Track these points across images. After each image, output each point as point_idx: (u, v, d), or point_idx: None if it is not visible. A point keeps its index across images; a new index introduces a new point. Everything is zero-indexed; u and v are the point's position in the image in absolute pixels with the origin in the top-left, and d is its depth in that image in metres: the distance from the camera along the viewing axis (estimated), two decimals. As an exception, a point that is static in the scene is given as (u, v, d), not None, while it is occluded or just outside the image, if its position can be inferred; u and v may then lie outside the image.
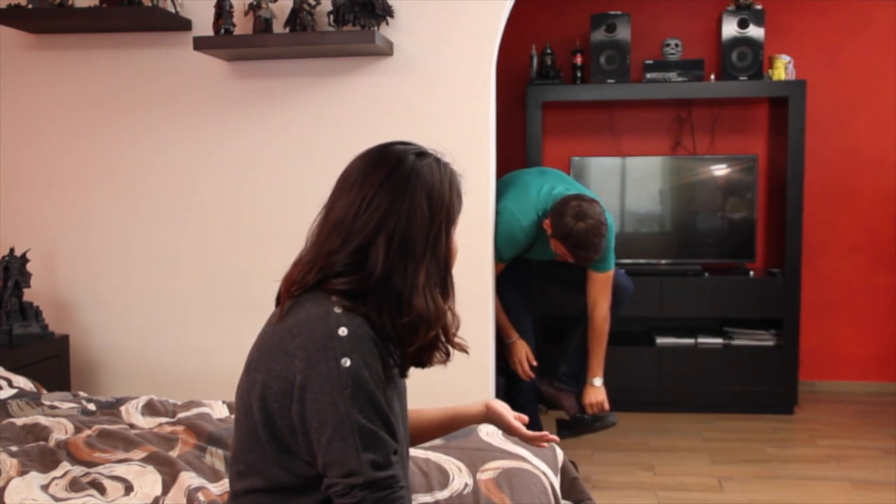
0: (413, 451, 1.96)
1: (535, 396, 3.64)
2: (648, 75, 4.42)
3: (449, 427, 1.77)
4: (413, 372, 1.61)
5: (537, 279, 3.89)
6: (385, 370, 1.33)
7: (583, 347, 3.54)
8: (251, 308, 3.31)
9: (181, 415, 2.42)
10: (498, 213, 3.35)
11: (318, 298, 1.34)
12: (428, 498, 1.85)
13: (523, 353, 3.52)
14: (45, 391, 2.78)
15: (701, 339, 4.50)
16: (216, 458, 2.12)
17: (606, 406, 3.47)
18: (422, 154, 1.49)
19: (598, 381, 3.47)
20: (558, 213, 3.23)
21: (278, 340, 1.34)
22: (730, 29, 4.39)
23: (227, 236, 3.29)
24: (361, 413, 1.27)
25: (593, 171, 4.62)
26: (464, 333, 3.35)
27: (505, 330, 3.53)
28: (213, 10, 3.08)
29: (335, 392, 1.26)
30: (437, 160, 1.49)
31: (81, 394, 2.75)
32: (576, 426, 3.53)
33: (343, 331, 1.28)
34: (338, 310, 1.31)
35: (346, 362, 1.27)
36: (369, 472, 1.26)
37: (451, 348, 1.42)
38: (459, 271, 3.46)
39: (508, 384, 3.87)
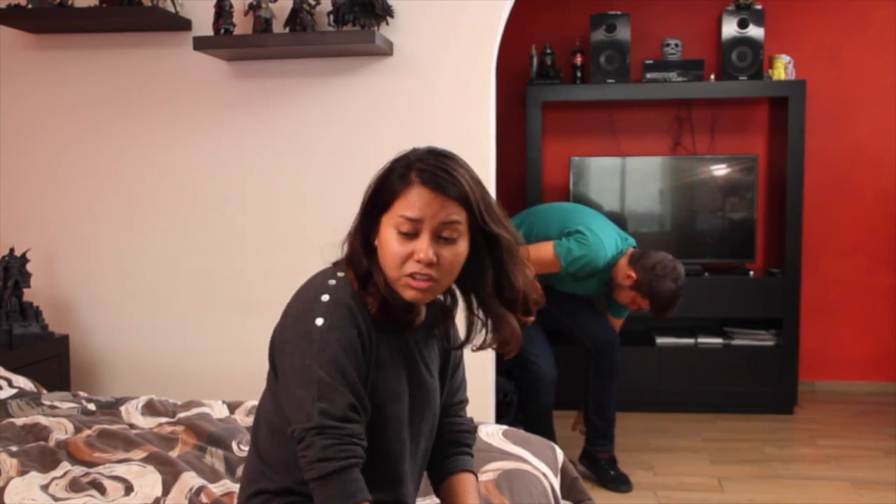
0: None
1: (549, 406, 3.61)
2: (648, 75, 4.42)
3: None
4: (472, 420, 1.72)
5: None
6: (366, 345, 1.44)
7: (601, 403, 3.54)
8: (251, 308, 3.32)
9: (181, 415, 2.42)
10: (581, 233, 3.27)
11: (327, 269, 1.52)
12: (428, 501, 1.85)
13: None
14: (45, 391, 2.78)
15: (701, 339, 4.50)
16: (216, 458, 2.12)
17: None
18: (416, 149, 1.57)
19: None
20: (650, 268, 3.19)
21: (288, 302, 1.52)
22: (730, 29, 4.39)
23: (227, 236, 3.29)
24: (323, 368, 1.39)
25: (593, 171, 4.62)
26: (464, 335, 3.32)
27: None
28: (212, 10, 3.08)
29: (305, 346, 1.41)
30: (415, 149, 1.56)
31: (81, 394, 2.75)
32: (595, 469, 3.55)
33: (325, 297, 1.44)
34: (332, 281, 1.47)
35: (319, 321, 1.42)
36: (320, 418, 1.37)
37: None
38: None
39: (521, 393, 3.87)
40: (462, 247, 1.46)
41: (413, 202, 1.43)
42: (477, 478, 1.68)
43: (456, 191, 1.44)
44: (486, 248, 1.49)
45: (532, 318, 1.57)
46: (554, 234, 3.36)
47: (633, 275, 3.23)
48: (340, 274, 1.49)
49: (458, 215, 1.44)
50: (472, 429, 1.72)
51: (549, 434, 3.49)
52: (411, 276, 1.43)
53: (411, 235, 1.43)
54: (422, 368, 1.55)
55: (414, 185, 1.45)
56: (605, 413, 3.56)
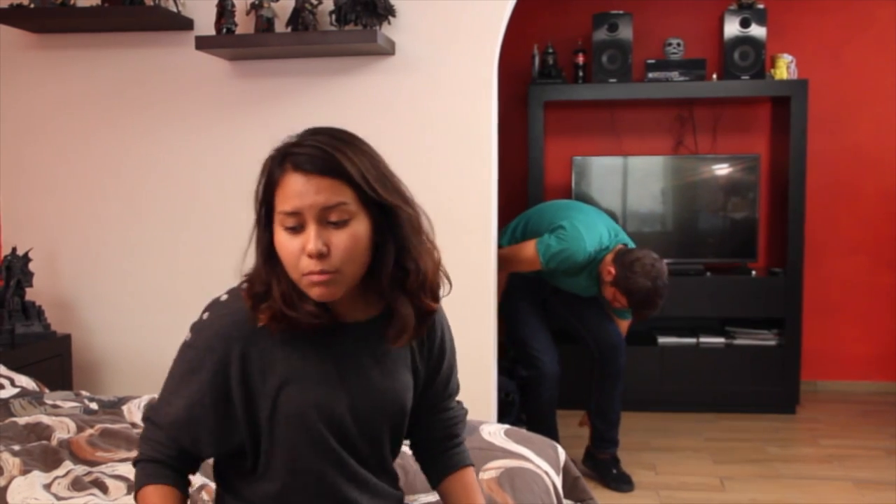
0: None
1: (552, 403, 3.61)
2: (650, 75, 4.41)
3: None
4: (467, 411, 1.65)
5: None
6: (235, 370, 1.35)
7: (602, 405, 3.55)
8: (253, 307, 3.33)
9: (183, 414, 2.42)
10: (562, 227, 3.30)
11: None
12: (430, 497, 1.85)
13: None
14: (47, 390, 2.78)
15: (703, 339, 4.50)
16: (218, 457, 2.12)
17: None
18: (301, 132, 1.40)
19: None
20: (628, 265, 3.19)
21: None
22: (732, 28, 4.38)
23: (229, 235, 3.29)
24: (172, 378, 1.42)
25: (595, 170, 4.62)
26: (466, 334, 3.34)
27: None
28: (214, 10, 3.08)
29: (176, 356, 1.43)
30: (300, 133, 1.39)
31: (84, 393, 2.75)
32: (597, 468, 3.54)
33: (206, 314, 1.41)
34: (224, 296, 1.42)
35: (188, 336, 1.42)
36: (147, 411, 1.48)
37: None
38: (461, 271, 3.46)
39: (524, 390, 3.87)
40: (357, 228, 1.31)
41: (288, 193, 1.30)
42: (472, 466, 1.63)
43: (332, 167, 1.29)
44: (387, 224, 1.34)
45: (436, 306, 1.44)
46: (543, 231, 3.39)
47: (613, 270, 3.24)
48: (224, 297, 1.43)
49: (342, 194, 1.29)
50: (462, 417, 1.65)
51: (551, 432, 3.49)
52: (309, 273, 1.30)
53: (298, 229, 1.30)
54: (368, 371, 1.42)
55: (287, 171, 1.31)
56: (607, 416, 3.55)
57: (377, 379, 1.43)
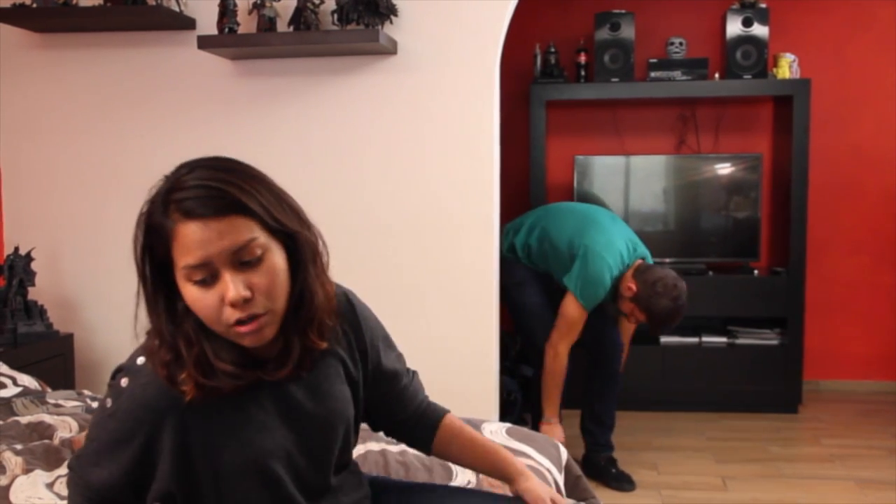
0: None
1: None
2: (652, 74, 4.41)
3: (483, 464, 1.59)
4: (416, 371, 1.63)
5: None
6: (163, 445, 1.26)
7: (595, 408, 3.56)
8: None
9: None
10: (583, 252, 3.28)
11: (143, 345, 1.31)
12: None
13: (556, 440, 3.47)
14: (49, 389, 2.78)
15: (705, 338, 4.49)
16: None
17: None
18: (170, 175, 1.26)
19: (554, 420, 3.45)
20: (650, 284, 3.17)
21: None
22: (734, 27, 4.38)
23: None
24: (94, 439, 1.32)
25: (597, 169, 4.62)
26: (467, 334, 3.35)
27: (546, 405, 3.41)
28: (216, 9, 3.09)
29: (97, 411, 1.33)
30: (168, 176, 1.25)
31: (86, 392, 2.76)
32: (596, 470, 3.53)
33: (124, 382, 1.29)
34: (141, 360, 1.29)
35: (108, 402, 1.30)
36: (71, 461, 1.36)
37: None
38: (462, 270, 3.45)
39: (526, 389, 3.88)
40: (273, 260, 1.21)
41: (187, 245, 1.16)
42: (448, 412, 1.61)
43: (228, 204, 1.16)
44: (293, 251, 1.24)
45: (324, 344, 1.33)
46: (564, 247, 3.35)
47: (634, 287, 3.21)
48: (140, 361, 1.28)
49: (248, 231, 1.18)
50: (417, 380, 1.60)
51: None
52: (237, 323, 1.19)
53: (210, 281, 1.17)
54: (304, 404, 1.35)
55: (178, 221, 1.16)
56: (601, 419, 3.56)
57: (314, 407, 1.35)
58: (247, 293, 1.17)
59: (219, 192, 1.17)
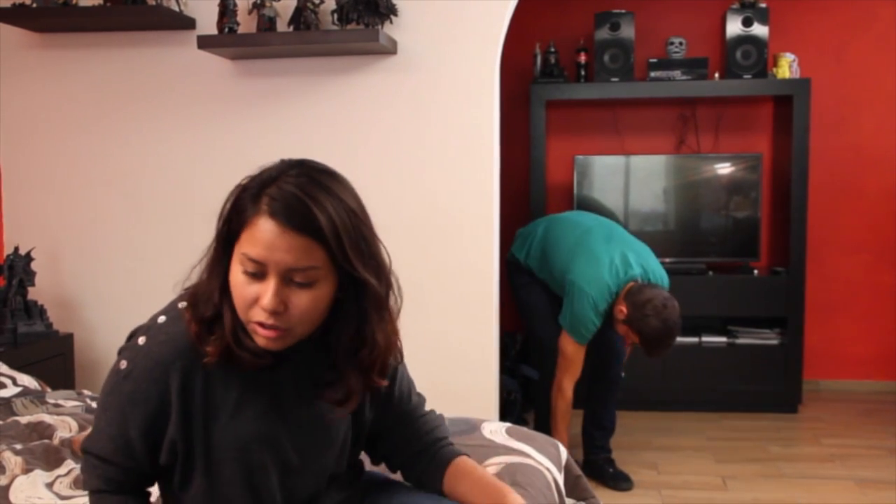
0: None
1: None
2: (652, 74, 4.41)
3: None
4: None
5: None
6: (174, 402, 1.28)
7: (595, 412, 3.57)
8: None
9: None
10: (569, 288, 3.28)
11: (181, 295, 1.35)
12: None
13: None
14: (49, 389, 2.78)
15: (705, 338, 4.49)
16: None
17: None
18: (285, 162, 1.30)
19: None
20: (640, 305, 3.12)
21: None
22: (734, 27, 4.38)
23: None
24: (107, 410, 1.32)
25: (597, 169, 4.62)
26: (467, 334, 3.35)
27: (558, 434, 3.38)
28: (216, 9, 3.09)
29: (109, 378, 1.34)
30: (284, 162, 1.28)
31: (86, 392, 2.75)
32: (593, 470, 3.52)
33: (142, 339, 1.32)
34: (162, 318, 1.34)
35: (123, 364, 1.32)
36: (84, 444, 1.36)
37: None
38: (462, 270, 3.45)
39: (526, 390, 3.87)
40: (321, 292, 1.22)
41: (257, 238, 1.18)
42: (467, 457, 1.52)
43: (310, 225, 1.17)
44: (353, 293, 1.25)
45: (385, 382, 1.36)
46: (558, 275, 3.37)
47: (625, 310, 3.17)
48: (181, 305, 1.31)
49: (313, 258, 1.19)
50: (439, 420, 1.56)
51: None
52: (259, 323, 1.22)
53: (258, 276, 1.20)
54: (303, 405, 1.35)
55: (262, 214, 1.19)
56: (602, 423, 3.56)
57: (313, 412, 1.36)
58: (280, 307, 1.20)
59: (308, 211, 1.18)
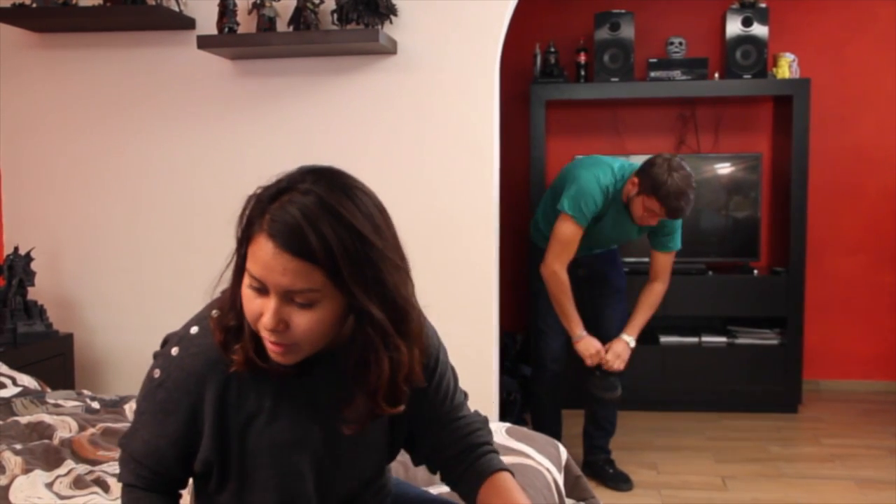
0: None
1: (553, 402, 3.61)
2: (652, 74, 4.41)
3: None
4: (486, 418, 1.55)
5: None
6: (206, 411, 1.30)
7: (597, 414, 3.55)
8: (255, 306, 3.33)
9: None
10: (572, 181, 3.24)
11: (212, 302, 1.35)
12: (431, 490, 1.85)
13: (594, 351, 3.33)
14: (49, 389, 2.78)
15: (705, 338, 4.49)
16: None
17: (621, 366, 3.34)
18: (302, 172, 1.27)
19: (630, 340, 3.37)
20: (648, 165, 3.10)
21: None
22: (734, 27, 4.38)
23: (231, 234, 3.28)
24: (143, 415, 1.35)
25: (597, 169, 4.61)
26: (467, 335, 3.35)
27: (569, 324, 3.33)
28: (216, 9, 3.08)
29: (145, 384, 1.36)
30: (300, 172, 1.26)
31: (85, 392, 2.75)
32: (593, 470, 3.51)
33: (175, 350, 1.33)
34: (194, 329, 1.33)
35: (157, 373, 1.34)
36: (121, 440, 1.39)
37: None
38: (462, 270, 3.45)
39: (525, 392, 3.86)
40: (323, 313, 1.19)
41: (258, 256, 1.17)
42: (513, 474, 1.45)
43: (304, 250, 1.14)
44: (358, 316, 1.21)
45: (401, 408, 1.30)
46: (559, 196, 3.32)
47: (636, 180, 3.14)
48: (214, 313, 1.30)
49: (311, 280, 1.15)
50: (482, 423, 1.50)
51: (552, 425, 3.51)
52: (266, 337, 1.21)
53: (262, 291, 1.19)
54: (336, 409, 1.33)
55: (262, 233, 1.17)
56: (602, 425, 3.56)
57: (351, 408, 1.33)
58: (280, 326, 1.18)
59: (303, 234, 1.14)
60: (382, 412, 1.29)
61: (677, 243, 3.39)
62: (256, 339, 1.24)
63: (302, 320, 1.18)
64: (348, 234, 1.16)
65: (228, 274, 1.28)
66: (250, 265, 1.19)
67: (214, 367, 1.29)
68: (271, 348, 1.22)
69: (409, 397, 1.35)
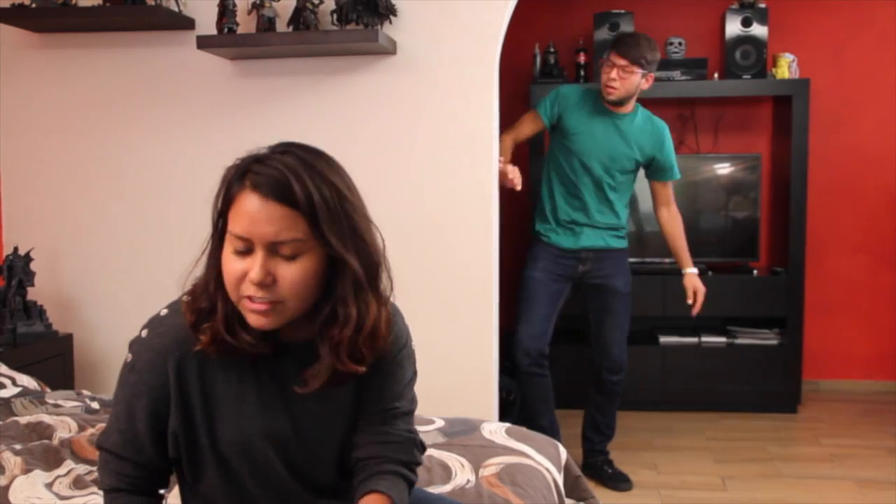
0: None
1: (546, 398, 3.60)
2: (652, 74, 4.41)
3: None
4: (423, 445, 1.53)
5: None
6: (172, 391, 1.32)
7: (596, 419, 3.57)
8: (254, 307, 3.33)
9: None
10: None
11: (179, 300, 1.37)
12: (431, 491, 1.85)
13: (690, 290, 3.57)
14: (48, 390, 2.78)
15: (704, 338, 4.50)
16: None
17: (701, 297, 3.57)
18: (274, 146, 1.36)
19: (692, 270, 3.58)
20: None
21: None
22: (733, 27, 4.38)
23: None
24: (118, 404, 1.37)
25: (596, 169, 4.61)
26: (467, 335, 3.35)
27: (679, 257, 3.60)
28: (216, 9, 3.08)
29: (119, 378, 1.38)
30: (273, 146, 1.34)
31: (85, 392, 2.75)
32: (592, 471, 3.52)
33: (144, 332, 1.37)
34: (164, 311, 1.38)
35: (129, 357, 1.37)
36: (101, 441, 1.38)
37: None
38: (461, 270, 3.45)
39: (522, 389, 3.84)
40: (308, 264, 1.23)
41: (241, 213, 1.23)
42: (392, 500, 1.38)
43: (289, 196, 1.20)
44: (334, 270, 1.26)
45: (363, 369, 1.31)
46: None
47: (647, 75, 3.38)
48: (185, 299, 1.34)
49: (296, 229, 1.21)
50: (407, 441, 1.46)
51: (545, 429, 3.50)
52: (249, 297, 1.23)
53: (246, 253, 1.24)
54: (307, 399, 1.34)
55: (245, 189, 1.24)
56: (601, 429, 3.57)
57: (316, 403, 1.36)
58: (267, 279, 1.22)
59: (287, 182, 1.21)
60: (346, 368, 1.30)
61: (675, 173, 3.52)
62: (229, 318, 1.27)
63: (288, 273, 1.23)
64: (327, 188, 1.24)
65: (200, 267, 1.33)
66: (233, 226, 1.24)
67: (180, 345, 1.32)
68: (255, 309, 1.24)
69: (366, 379, 1.37)
